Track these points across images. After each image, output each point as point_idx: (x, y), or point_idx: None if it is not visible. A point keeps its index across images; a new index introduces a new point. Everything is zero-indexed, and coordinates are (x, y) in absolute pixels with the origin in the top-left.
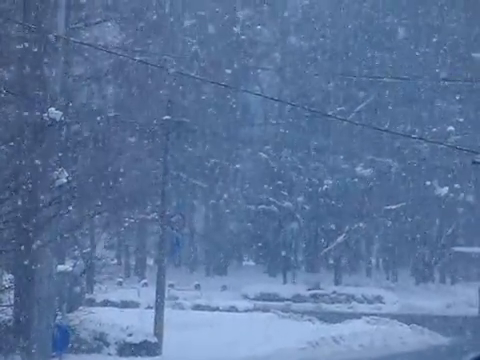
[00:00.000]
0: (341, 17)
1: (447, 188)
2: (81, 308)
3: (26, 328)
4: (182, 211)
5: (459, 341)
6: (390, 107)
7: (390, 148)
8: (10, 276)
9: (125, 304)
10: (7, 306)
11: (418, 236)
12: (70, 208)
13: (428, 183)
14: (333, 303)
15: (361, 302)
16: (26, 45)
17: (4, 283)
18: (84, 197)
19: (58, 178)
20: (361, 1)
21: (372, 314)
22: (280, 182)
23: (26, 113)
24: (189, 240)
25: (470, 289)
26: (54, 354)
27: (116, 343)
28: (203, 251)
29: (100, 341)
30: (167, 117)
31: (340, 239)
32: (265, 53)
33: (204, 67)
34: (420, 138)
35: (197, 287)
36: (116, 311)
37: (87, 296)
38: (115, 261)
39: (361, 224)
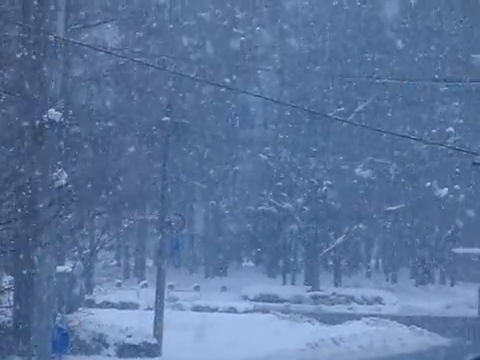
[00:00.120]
0: (340, 19)
1: (447, 189)
2: (80, 309)
3: (25, 329)
4: (182, 212)
5: (459, 342)
6: (390, 109)
7: (390, 149)
8: (10, 277)
9: (124, 305)
10: (6, 307)
11: (418, 237)
12: (70, 209)
13: (428, 184)
14: (333, 304)
15: (361, 303)
16: (26, 47)
17: (3, 284)
18: (84, 198)
19: (58, 179)
20: (360, 3)
21: (372, 315)
22: (280, 183)
23: (26, 114)
24: (189, 241)
25: (470, 290)
26: (53, 355)
27: (115, 344)
28: (203, 252)
29: (99, 342)
30: (166, 118)
31: (340, 240)
32: (265, 55)
33: (204, 69)
34: (420, 139)
35: (197, 288)
36: (116, 312)
37: (86, 297)
38: (115, 262)
39: (361, 225)
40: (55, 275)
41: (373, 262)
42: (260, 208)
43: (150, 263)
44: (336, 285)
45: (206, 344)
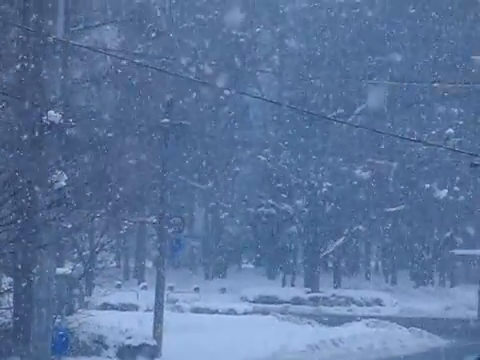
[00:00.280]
0: (340, 20)
1: (446, 191)
2: (80, 311)
3: (25, 331)
4: (181, 214)
5: (458, 344)
6: (389, 110)
7: (389, 151)
8: (9, 279)
9: (124, 307)
10: (6, 309)
11: (417, 239)
12: (69, 211)
13: (427, 186)
14: (332, 306)
15: (360, 305)
16: (25, 48)
17: (3, 286)
18: (83, 200)
19: (57, 181)
20: (361, 4)
21: (371, 317)
22: (279, 185)
23: (25, 116)
24: (188, 243)
25: (469, 292)
26: (53, 357)
27: (115, 346)
28: (202, 254)
29: (99, 344)
30: (166, 120)
31: (339, 242)
32: (264, 56)
33: (203, 70)
34: (419, 141)
35: (196, 290)
36: (115, 314)
37: (86, 299)
38: (114, 264)
39: (360, 227)
40: (55, 277)
41: (373, 264)
42: (260, 210)
43: (150, 265)
44: (336, 287)
45: (206, 346)
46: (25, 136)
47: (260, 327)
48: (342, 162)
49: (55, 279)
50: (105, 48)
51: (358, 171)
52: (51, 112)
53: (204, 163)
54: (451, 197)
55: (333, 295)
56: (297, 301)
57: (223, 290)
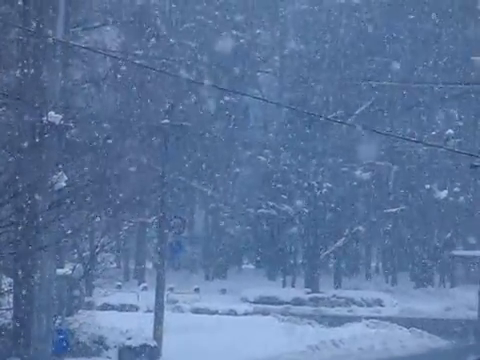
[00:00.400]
0: (341, 21)
1: (446, 191)
2: (80, 312)
3: (25, 332)
4: (181, 215)
5: (459, 344)
6: (389, 111)
7: (389, 151)
8: (9, 280)
9: (124, 308)
10: (6, 310)
11: (417, 240)
12: (69, 212)
13: (427, 186)
14: (333, 306)
15: (361, 305)
16: (25, 49)
17: (3, 287)
18: (83, 201)
19: (57, 182)
20: (361, 6)
21: (372, 317)
22: (279, 186)
23: (25, 117)
24: (189, 244)
25: (470, 292)
26: (54, 358)
27: (115, 347)
28: (202, 254)
29: (99, 345)
30: (166, 121)
31: (339, 242)
32: (264, 57)
33: (203, 71)
34: (419, 141)
35: (196, 290)
36: (115, 314)
37: (86, 300)
38: (114, 265)
39: (360, 228)
40: (55, 278)
41: (373, 264)
42: (260, 211)
43: (150, 265)
44: (336, 287)
45: (206, 346)
46: (25, 138)
47: (260, 328)
48: (342, 163)
49: (55, 280)
50: (105, 49)
51: (358, 172)
52: (51, 113)
53: (204, 165)
54: (451, 198)
55: (333, 296)
56: (297, 302)
57: (223, 291)
